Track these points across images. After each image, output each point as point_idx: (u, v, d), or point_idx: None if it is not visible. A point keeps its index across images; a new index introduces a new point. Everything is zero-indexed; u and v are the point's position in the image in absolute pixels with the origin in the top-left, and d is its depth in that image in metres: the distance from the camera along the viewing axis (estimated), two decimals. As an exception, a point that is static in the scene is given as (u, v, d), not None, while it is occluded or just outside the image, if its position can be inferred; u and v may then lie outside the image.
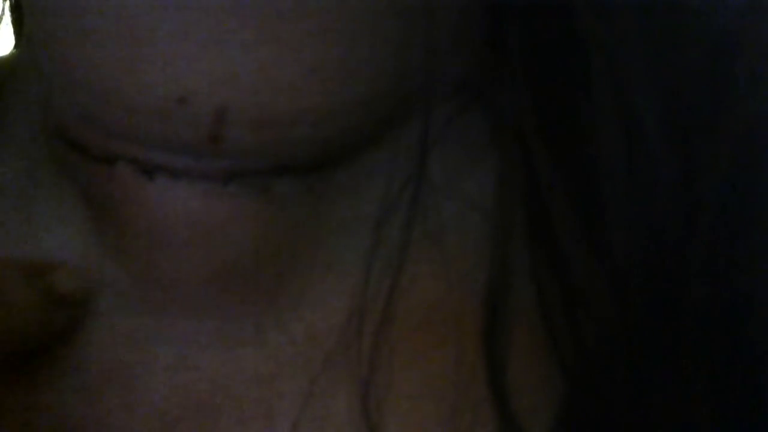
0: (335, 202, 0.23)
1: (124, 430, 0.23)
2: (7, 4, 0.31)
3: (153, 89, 0.20)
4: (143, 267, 0.23)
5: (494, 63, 0.23)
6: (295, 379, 0.23)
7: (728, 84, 0.23)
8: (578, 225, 0.23)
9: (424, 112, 0.22)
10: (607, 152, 0.22)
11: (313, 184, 0.23)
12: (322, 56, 0.20)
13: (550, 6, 0.22)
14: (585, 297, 0.23)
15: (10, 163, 0.25)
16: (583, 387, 0.23)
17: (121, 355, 0.23)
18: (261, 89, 0.20)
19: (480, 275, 0.24)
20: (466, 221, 0.24)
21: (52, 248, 0.24)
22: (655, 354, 0.22)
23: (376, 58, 0.21)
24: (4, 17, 0.30)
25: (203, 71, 0.20)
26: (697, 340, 0.22)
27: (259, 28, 0.20)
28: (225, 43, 0.20)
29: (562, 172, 0.23)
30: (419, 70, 0.22)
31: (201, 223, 0.22)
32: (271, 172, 0.22)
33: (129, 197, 0.22)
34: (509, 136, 0.23)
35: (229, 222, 0.22)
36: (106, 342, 0.23)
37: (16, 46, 0.30)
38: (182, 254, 0.23)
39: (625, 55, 0.22)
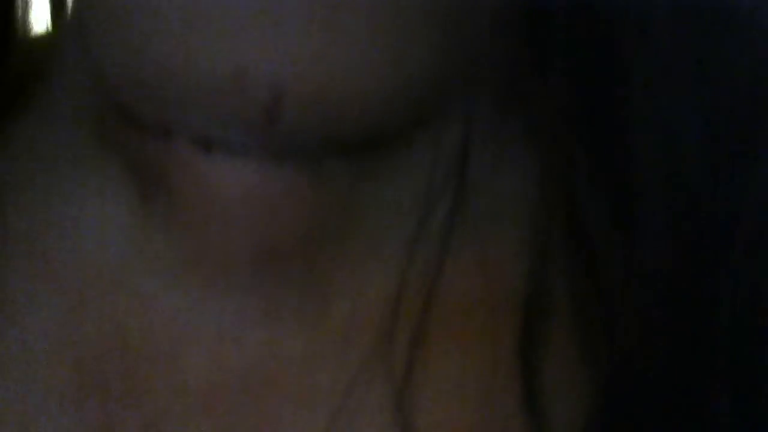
0: (382, 184, 0.24)
1: (164, 404, 0.23)
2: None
3: (209, 64, 0.21)
4: (193, 242, 0.23)
5: (534, 62, 0.24)
6: (335, 363, 0.23)
7: None
8: (615, 227, 0.23)
9: (467, 106, 0.23)
10: (644, 161, 0.22)
11: (363, 165, 0.23)
12: (377, 42, 0.21)
13: (588, 11, 0.22)
14: (620, 300, 0.23)
15: (54, 137, 0.25)
16: (616, 391, 0.23)
17: (163, 331, 0.24)
18: (315, 70, 0.21)
19: (518, 270, 0.24)
20: (504, 216, 0.25)
21: (97, 222, 0.24)
22: (687, 358, 0.23)
23: (428, 44, 0.22)
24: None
25: (259, 48, 0.20)
26: (730, 346, 0.22)
27: (315, 11, 0.20)
28: (282, 23, 0.20)
29: (600, 173, 0.24)
30: (466, 60, 0.22)
31: (254, 198, 0.22)
32: (323, 150, 0.22)
33: (185, 170, 0.22)
34: (547, 134, 0.24)
35: (281, 199, 0.23)
36: (149, 317, 0.24)
37: (52, 26, 0.31)
38: (233, 230, 0.23)
39: (665, 64, 0.22)
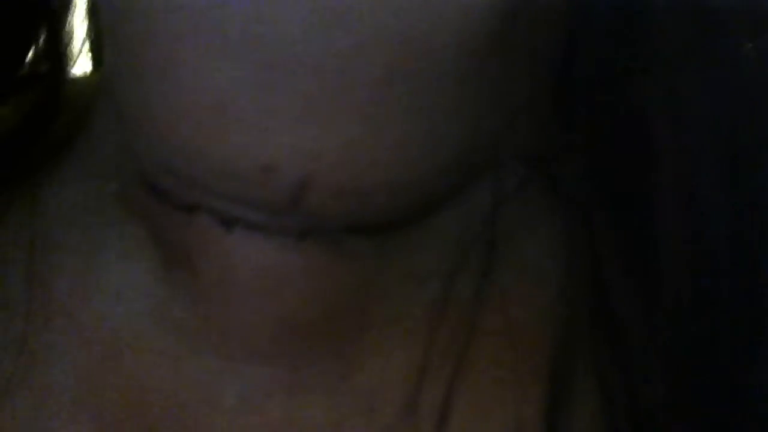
0: (405, 257, 0.24)
1: None
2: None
3: (238, 157, 0.21)
4: (214, 313, 0.23)
5: (560, 137, 0.24)
6: (359, 429, 0.23)
7: None
8: (639, 301, 0.23)
9: (494, 182, 0.23)
10: (668, 233, 0.22)
11: (385, 241, 0.23)
12: (406, 133, 0.21)
13: (616, 83, 0.23)
14: (643, 378, 0.23)
15: (80, 191, 0.26)
16: None
17: (185, 395, 0.24)
18: (344, 163, 0.21)
19: (545, 335, 0.24)
20: (530, 281, 0.25)
21: (118, 283, 0.25)
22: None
23: (456, 131, 0.22)
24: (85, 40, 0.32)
25: (289, 145, 0.20)
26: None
27: (347, 107, 0.20)
28: (312, 120, 0.20)
29: (624, 247, 0.24)
30: (494, 140, 0.23)
31: (275, 275, 0.23)
32: (345, 230, 0.23)
33: (206, 246, 0.23)
34: (572, 209, 0.24)
35: (301, 275, 0.23)
36: (171, 382, 0.24)
37: (94, 69, 0.32)
38: (254, 304, 0.23)
39: (690, 135, 0.22)
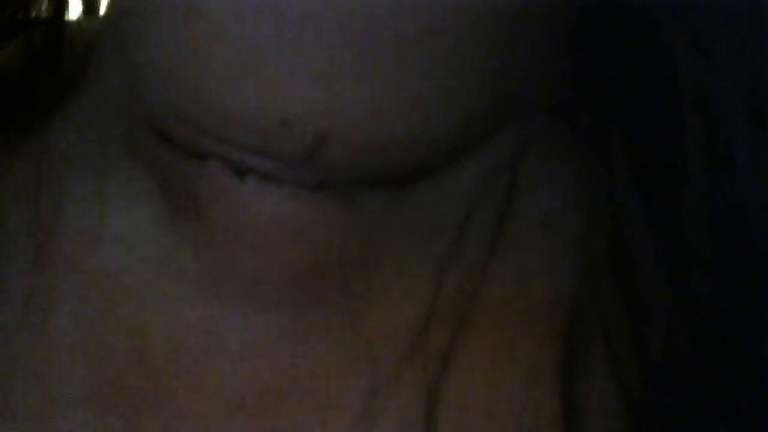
0: (418, 211, 0.24)
1: (188, 411, 0.23)
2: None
3: (257, 110, 0.21)
4: (221, 261, 0.23)
5: (582, 84, 0.24)
6: (362, 376, 0.23)
7: None
8: (658, 253, 0.23)
9: (514, 134, 0.23)
10: (692, 187, 0.22)
11: (398, 195, 0.24)
12: (427, 87, 0.21)
13: (638, 27, 0.22)
14: (657, 329, 0.23)
15: (86, 135, 0.26)
16: (645, 418, 0.23)
17: (188, 340, 0.24)
18: (365, 117, 0.21)
19: (557, 285, 0.24)
20: (543, 234, 0.25)
21: (122, 227, 0.24)
22: (720, 390, 0.22)
23: (476, 86, 0.22)
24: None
25: (310, 100, 0.21)
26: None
27: (370, 62, 0.20)
28: (336, 76, 0.20)
29: (647, 200, 0.23)
30: (512, 93, 0.23)
31: (286, 224, 0.23)
32: (360, 183, 0.23)
33: (217, 194, 0.23)
34: (594, 159, 0.24)
35: (314, 226, 0.23)
36: (174, 327, 0.24)
37: (85, 13, 0.32)
38: (264, 253, 0.23)
39: (715, 78, 0.22)
